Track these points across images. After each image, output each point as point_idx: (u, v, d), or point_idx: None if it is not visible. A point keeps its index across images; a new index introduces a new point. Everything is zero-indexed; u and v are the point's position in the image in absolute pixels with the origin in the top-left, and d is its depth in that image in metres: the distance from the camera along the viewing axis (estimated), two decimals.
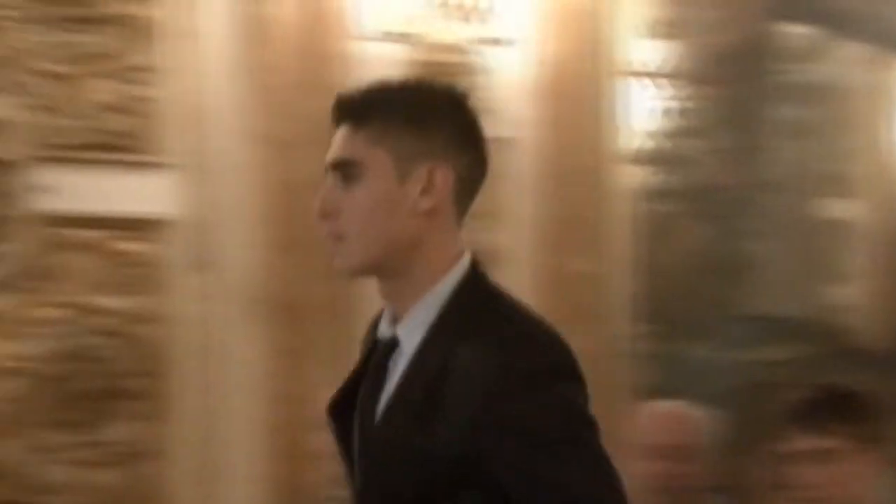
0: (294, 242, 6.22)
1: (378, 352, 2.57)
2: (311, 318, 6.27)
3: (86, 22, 5.98)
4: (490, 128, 6.90)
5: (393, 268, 2.53)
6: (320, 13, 6.22)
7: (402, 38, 6.44)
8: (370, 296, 6.60)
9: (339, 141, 2.55)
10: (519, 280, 6.53)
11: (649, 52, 7.32)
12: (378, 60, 6.36)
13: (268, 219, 6.25)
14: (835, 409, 4.15)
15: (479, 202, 6.91)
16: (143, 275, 6.09)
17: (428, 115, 2.54)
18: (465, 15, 6.49)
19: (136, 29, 6.08)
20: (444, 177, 2.51)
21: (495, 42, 6.49)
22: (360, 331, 6.62)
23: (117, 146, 6.07)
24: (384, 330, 2.56)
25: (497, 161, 6.88)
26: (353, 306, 6.17)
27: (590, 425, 2.42)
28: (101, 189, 6.03)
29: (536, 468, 2.37)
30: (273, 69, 6.23)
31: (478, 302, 2.50)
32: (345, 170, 2.53)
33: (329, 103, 5.69)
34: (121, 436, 6.06)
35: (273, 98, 6.24)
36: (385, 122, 2.52)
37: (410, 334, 2.51)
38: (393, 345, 2.54)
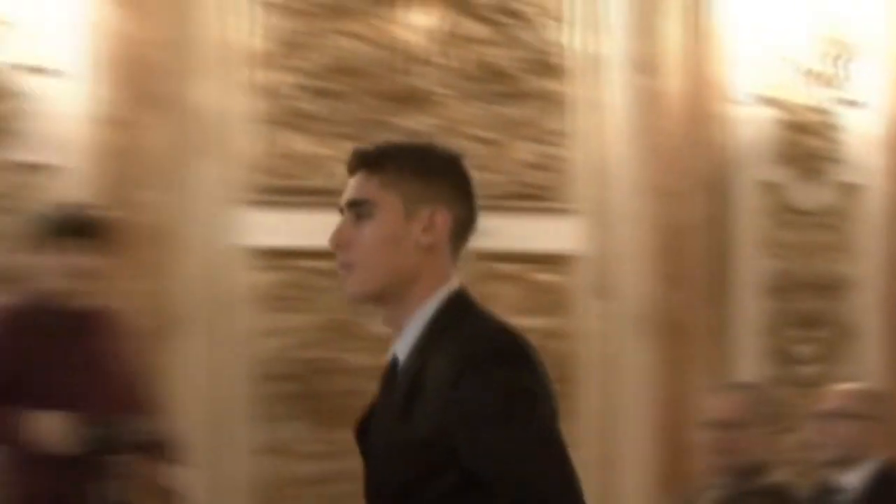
0: (677, 274, 6.39)
1: (387, 372, 2.61)
2: (691, 335, 6.36)
3: (510, 97, 6.34)
4: (845, 175, 6.93)
5: (393, 295, 2.55)
6: (702, 82, 6.36)
7: (772, 101, 6.44)
8: (743, 319, 6.39)
9: (355, 185, 2.58)
10: (869, 304, 6.56)
11: None
12: (751, 121, 6.42)
13: (656, 255, 6.37)
14: None
15: (836, 239, 6.96)
16: (555, 300, 6.35)
17: (433, 167, 2.59)
18: (826, 81, 6.44)
19: (551, 101, 6.37)
20: (444, 219, 2.54)
21: (851, 104, 6.43)
22: (733, 347, 6.53)
23: (535, 196, 6.37)
24: (390, 352, 2.60)
25: (851, 204, 6.89)
26: (725, 327, 6.38)
27: (531, 400, 2.40)
28: (522, 231, 6.28)
29: (480, 438, 2.37)
30: (662, 131, 6.38)
31: (454, 317, 2.52)
32: (359, 209, 2.56)
33: (711, 159, 6.00)
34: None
35: (662, 155, 6.38)
36: (397, 170, 2.57)
37: (404, 351, 2.56)
38: (395, 363, 2.58)
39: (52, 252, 4.78)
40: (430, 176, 2.57)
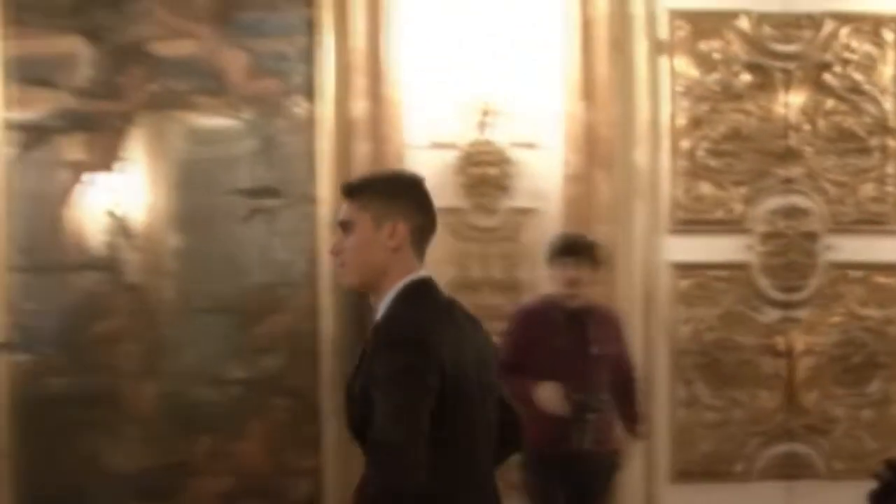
0: None
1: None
2: None
3: (858, 151, 6.69)
4: None
5: (372, 284, 2.80)
6: None
7: None
8: None
9: (343, 209, 2.84)
10: None
11: None
12: None
13: None
14: None
15: None
16: (891, 297, 6.73)
17: (395, 191, 2.82)
18: None
19: (889, 153, 6.65)
20: (403, 228, 2.79)
21: None
22: None
23: (876, 221, 6.75)
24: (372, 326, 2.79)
25: None
26: None
27: (411, 374, 2.60)
28: (866, 247, 6.70)
29: (376, 396, 2.61)
30: None
31: (401, 303, 2.75)
32: (345, 225, 2.82)
33: None
34: (875, 390, 6.74)
35: None
36: (369, 195, 2.82)
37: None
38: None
39: (559, 266, 5.24)
40: (392, 197, 2.83)
